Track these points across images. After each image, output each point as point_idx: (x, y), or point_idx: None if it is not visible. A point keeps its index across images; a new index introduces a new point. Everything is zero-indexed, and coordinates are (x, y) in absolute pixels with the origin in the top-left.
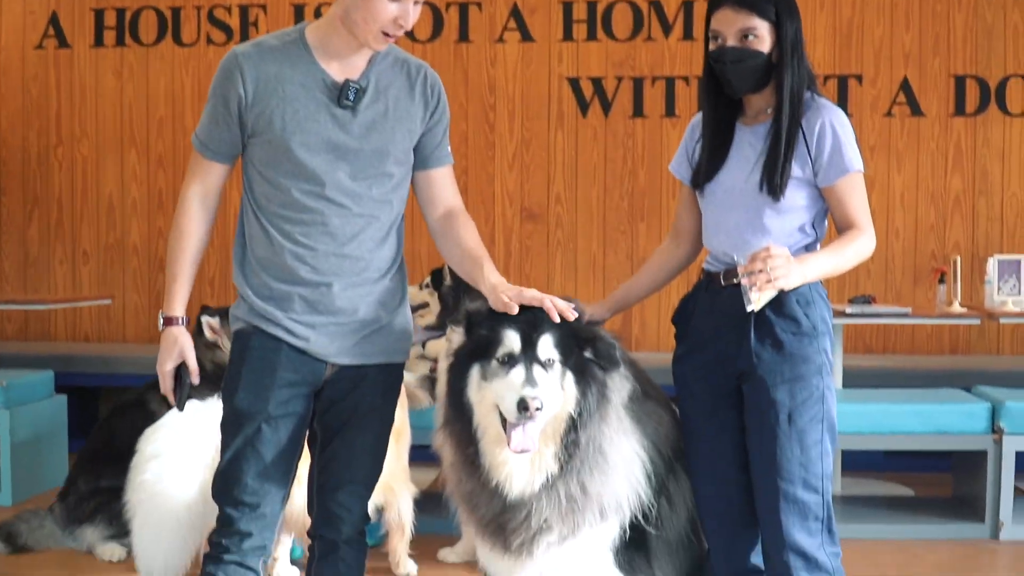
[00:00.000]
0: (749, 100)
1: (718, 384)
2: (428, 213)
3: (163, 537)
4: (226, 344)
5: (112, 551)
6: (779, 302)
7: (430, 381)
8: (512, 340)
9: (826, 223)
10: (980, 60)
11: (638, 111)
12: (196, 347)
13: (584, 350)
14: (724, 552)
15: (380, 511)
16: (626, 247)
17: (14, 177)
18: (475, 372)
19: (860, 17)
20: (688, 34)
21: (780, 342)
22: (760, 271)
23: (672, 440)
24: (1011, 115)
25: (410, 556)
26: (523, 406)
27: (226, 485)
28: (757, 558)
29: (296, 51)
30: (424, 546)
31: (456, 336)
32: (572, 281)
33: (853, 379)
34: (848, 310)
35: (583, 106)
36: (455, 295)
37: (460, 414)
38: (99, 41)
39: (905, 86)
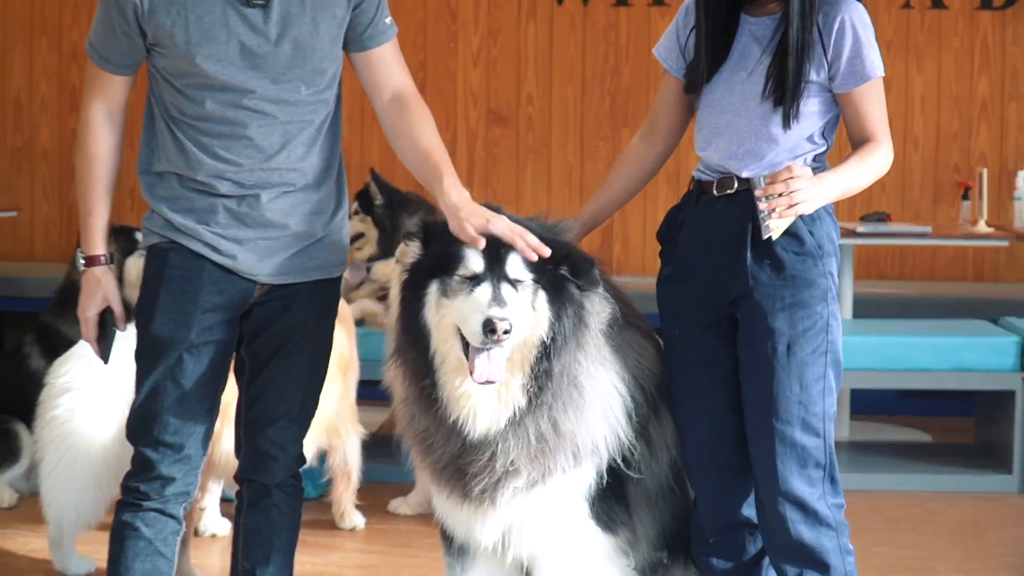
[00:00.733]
0: None
1: (708, 311)
2: (374, 100)
3: (75, 481)
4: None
5: (1, 495)
6: None
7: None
8: (476, 256)
9: (835, 130)
10: None
11: None
12: None
13: (559, 267)
14: (712, 503)
15: (323, 456)
16: (607, 156)
17: None
18: (433, 289)
19: None
20: None
21: (780, 262)
22: (780, 195)
23: (655, 375)
24: None
25: (357, 507)
26: (489, 328)
27: (144, 423)
28: (749, 510)
29: None
30: (373, 496)
31: (411, 249)
32: (545, 195)
33: (863, 308)
34: (859, 229)
35: None
36: (391, 214)
37: (415, 340)
38: None
39: None
